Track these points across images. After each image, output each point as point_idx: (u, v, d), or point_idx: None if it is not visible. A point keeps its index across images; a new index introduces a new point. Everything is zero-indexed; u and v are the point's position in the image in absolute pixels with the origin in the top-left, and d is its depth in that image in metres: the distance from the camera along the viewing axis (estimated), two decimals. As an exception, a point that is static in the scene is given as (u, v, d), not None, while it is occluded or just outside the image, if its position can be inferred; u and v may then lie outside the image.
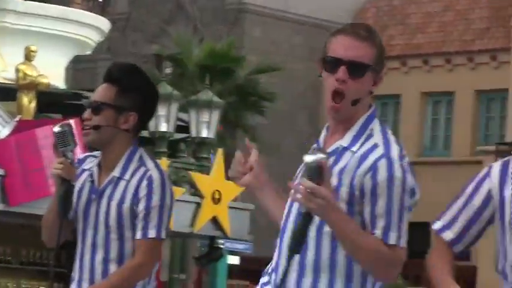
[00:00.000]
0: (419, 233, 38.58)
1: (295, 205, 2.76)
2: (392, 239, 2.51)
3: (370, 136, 2.67)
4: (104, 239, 4.12)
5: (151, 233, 3.96)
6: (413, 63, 40.38)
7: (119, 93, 3.93)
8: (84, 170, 4.14)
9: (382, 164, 2.56)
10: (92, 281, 4.14)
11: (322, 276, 2.82)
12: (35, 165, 18.95)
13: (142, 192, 4.08)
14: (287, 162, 32.73)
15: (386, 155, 2.58)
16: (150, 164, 4.26)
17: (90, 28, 27.91)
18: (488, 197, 2.65)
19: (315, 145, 2.80)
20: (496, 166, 2.77)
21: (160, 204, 4.08)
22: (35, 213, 17.46)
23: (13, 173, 18.95)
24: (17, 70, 21.60)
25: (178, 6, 42.08)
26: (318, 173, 2.44)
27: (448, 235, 2.80)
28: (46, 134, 18.59)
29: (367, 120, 2.72)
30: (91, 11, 31.99)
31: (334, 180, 2.57)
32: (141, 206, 4.07)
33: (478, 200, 2.72)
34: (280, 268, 2.84)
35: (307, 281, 2.78)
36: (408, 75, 40.33)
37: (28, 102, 21.23)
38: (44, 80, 21.75)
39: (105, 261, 4.07)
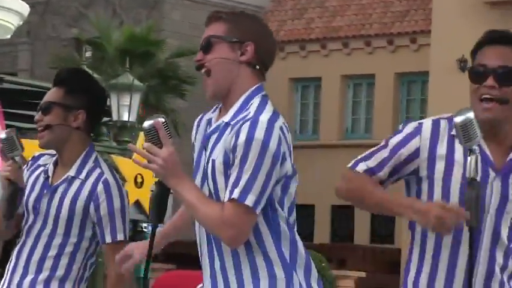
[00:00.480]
0: (343, 217, 38.81)
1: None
2: (235, 195, 2.54)
3: (247, 109, 2.79)
4: (49, 233, 4.23)
5: (120, 236, 4.16)
6: (333, 46, 40.13)
7: (67, 93, 4.14)
8: (39, 166, 4.35)
9: (245, 127, 2.64)
10: (25, 274, 4.25)
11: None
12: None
13: (102, 196, 4.24)
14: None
15: (252, 118, 2.66)
16: (104, 167, 4.44)
17: (10, 12, 26.87)
18: (416, 153, 3.12)
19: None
20: (427, 125, 3.19)
21: (121, 208, 4.24)
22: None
23: None
24: None
25: (97, -10, 41.68)
26: (155, 135, 2.63)
27: (362, 167, 3.22)
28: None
29: (249, 97, 2.82)
30: (10, -6, 31.03)
31: (214, 154, 2.82)
32: (103, 211, 4.22)
33: (404, 154, 3.16)
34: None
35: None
36: (328, 58, 40.15)
37: None
38: (-39, 64, 20.47)
39: (43, 257, 4.21)
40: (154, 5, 40.59)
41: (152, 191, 3.05)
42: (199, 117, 3.22)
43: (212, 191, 2.80)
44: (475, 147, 2.85)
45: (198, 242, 3.09)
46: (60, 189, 4.19)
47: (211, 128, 2.91)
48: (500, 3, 34.62)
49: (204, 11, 40.05)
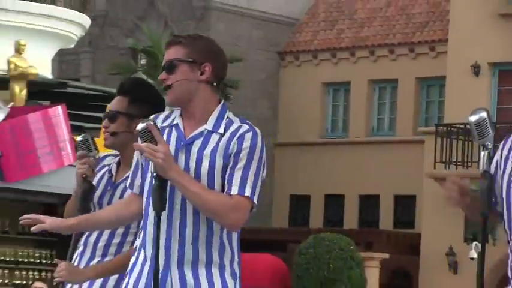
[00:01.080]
0: (370, 205, 40.30)
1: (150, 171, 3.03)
2: (247, 192, 2.86)
3: (230, 121, 3.02)
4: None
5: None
6: (360, 54, 41.81)
7: (130, 103, 4.25)
8: (104, 165, 4.56)
9: (249, 135, 2.93)
10: (92, 258, 4.47)
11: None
12: (27, 147, 19.76)
13: None
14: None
15: (252, 129, 2.95)
16: None
17: (73, 24, 28.61)
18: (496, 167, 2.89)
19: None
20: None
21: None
22: (29, 189, 19.13)
23: (8, 155, 19.53)
24: (9, 62, 22.16)
25: (150, 4, 43.52)
26: (149, 135, 2.81)
27: None
28: (37, 118, 19.98)
29: (222, 110, 3.06)
30: (73, 9, 32.77)
31: (206, 161, 2.95)
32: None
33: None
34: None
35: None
36: (356, 65, 41.89)
37: (19, 90, 21.55)
38: (33, 71, 22.34)
39: (108, 244, 4.40)
40: (202, 18, 42.82)
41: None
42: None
43: (206, 186, 2.95)
44: (488, 143, 2.83)
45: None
46: (121, 186, 4.32)
47: (192, 133, 3.02)
48: (512, 15, 35.84)
49: (246, 23, 42.38)
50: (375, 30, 42.52)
